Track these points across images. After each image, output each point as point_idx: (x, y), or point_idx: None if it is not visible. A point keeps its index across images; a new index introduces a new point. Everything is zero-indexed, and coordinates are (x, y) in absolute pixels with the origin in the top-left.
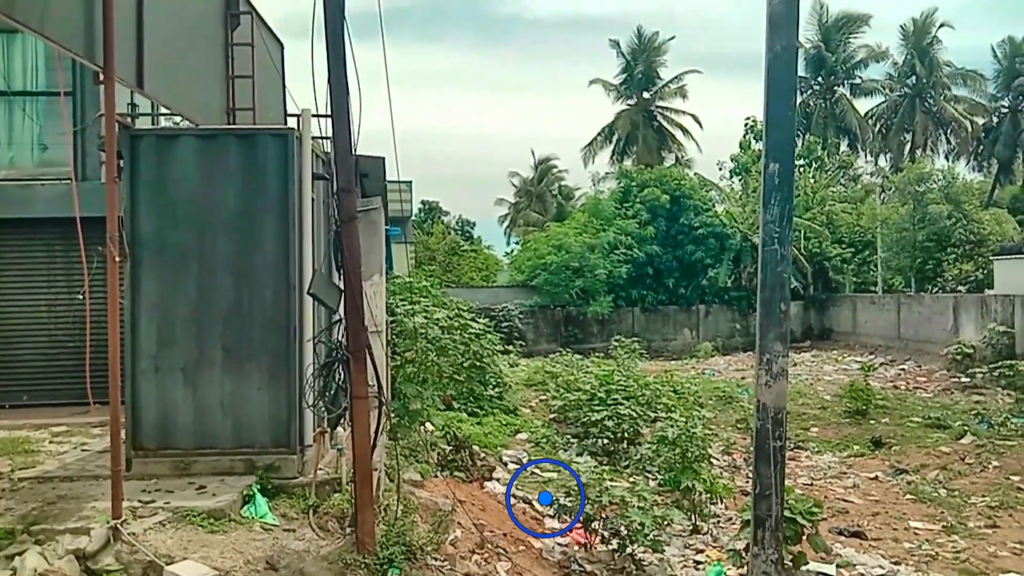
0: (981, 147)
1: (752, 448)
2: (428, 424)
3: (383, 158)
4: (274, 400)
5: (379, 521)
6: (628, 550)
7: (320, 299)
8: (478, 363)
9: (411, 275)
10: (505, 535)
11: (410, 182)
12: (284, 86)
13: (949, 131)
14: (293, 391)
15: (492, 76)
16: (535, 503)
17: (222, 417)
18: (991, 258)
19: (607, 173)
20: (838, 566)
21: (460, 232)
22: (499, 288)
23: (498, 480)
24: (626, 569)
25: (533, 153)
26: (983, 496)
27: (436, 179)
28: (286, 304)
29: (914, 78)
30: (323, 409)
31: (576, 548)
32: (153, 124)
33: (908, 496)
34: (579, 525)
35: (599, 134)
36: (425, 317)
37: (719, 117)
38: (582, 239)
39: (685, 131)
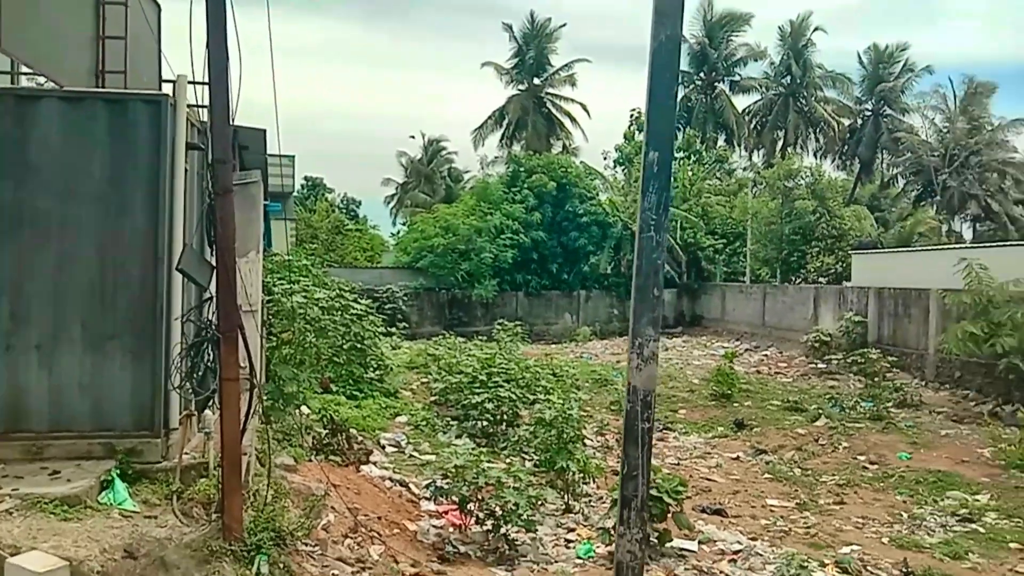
0: (846, 147)
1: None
2: (304, 407)
3: (264, 130)
4: (137, 381)
5: (248, 507)
6: (502, 530)
7: (190, 275)
8: (359, 345)
9: (291, 253)
10: (380, 518)
11: (293, 156)
12: (160, 50)
13: (818, 130)
14: (158, 372)
15: (383, 53)
16: (412, 486)
17: (80, 399)
18: (850, 252)
19: (496, 157)
20: (700, 542)
21: (345, 211)
22: (384, 269)
23: (375, 464)
24: (499, 549)
25: (423, 134)
26: (833, 475)
27: (322, 155)
28: (153, 280)
29: (789, 78)
30: (190, 391)
31: (451, 530)
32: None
33: (766, 475)
34: (455, 506)
35: (490, 117)
36: (304, 297)
37: (606, 107)
38: (470, 222)
39: (573, 119)
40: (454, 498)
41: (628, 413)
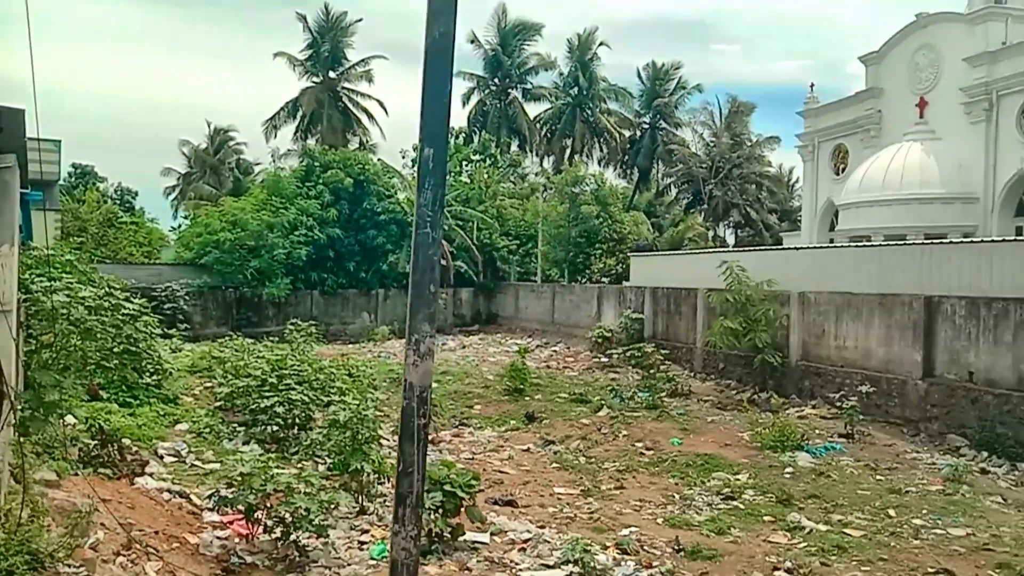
0: (626, 157)
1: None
2: (69, 417)
3: (22, 110)
4: None
5: None
6: (292, 537)
7: None
8: (132, 348)
9: (54, 247)
10: (157, 533)
11: (59, 141)
12: None
13: (602, 140)
14: None
15: (165, 36)
16: (193, 497)
17: None
18: (629, 254)
19: (289, 150)
20: (492, 534)
21: (119, 202)
22: (163, 266)
23: (152, 475)
24: (289, 556)
25: (208, 123)
26: (614, 461)
27: (93, 141)
28: None
29: (576, 89)
30: None
31: (237, 540)
32: None
33: (554, 465)
34: (241, 516)
35: (282, 109)
36: (68, 295)
37: (404, 106)
38: (260, 217)
39: (370, 116)
40: (240, 507)
41: (404, 409)
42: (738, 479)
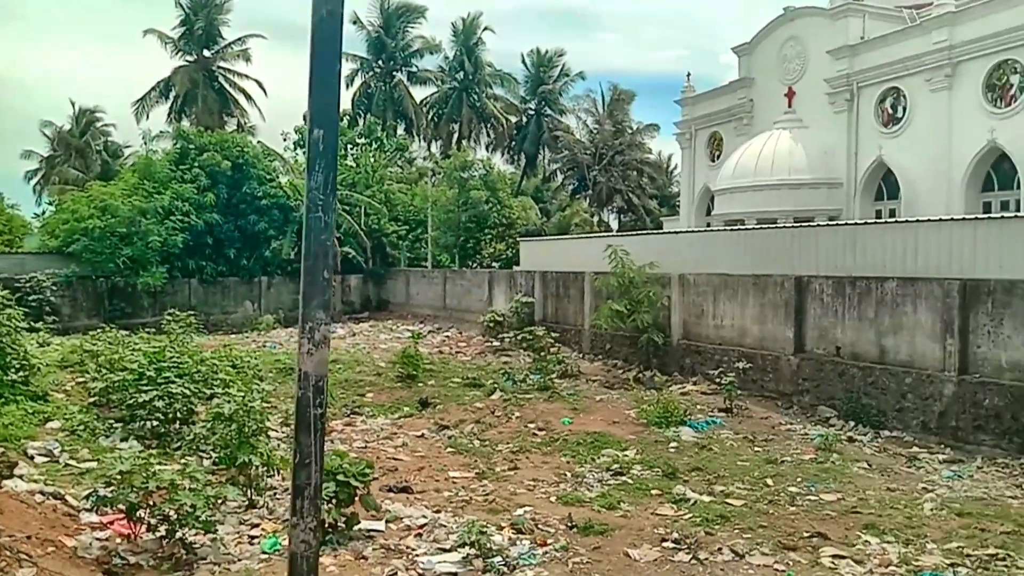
0: (513, 143)
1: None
2: None
3: None
4: None
5: None
6: (178, 535)
7: None
8: None
9: None
10: (30, 537)
11: None
12: None
13: (489, 125)
14: None
15: (19, 9)
16: (69, 498)
17: None
18: (518, 239)
19: (162, 132)
20: (387, 521)
21: None
22: (26, 255)
23: (21, 477)
24: (175, 555)
25: (72, 103)
26: (507, 443)
27: None
28: None
29: (462, 73)
30: None
31: (119, 541)
32: None
33: (449, 449)
34: (122, 515)
35: (153, 89)
36: None
37: (284, 87)
38: (132, 202)
39: (248, 97)
40: (120, 506)
41: (300, 400)
42: (626, 455)
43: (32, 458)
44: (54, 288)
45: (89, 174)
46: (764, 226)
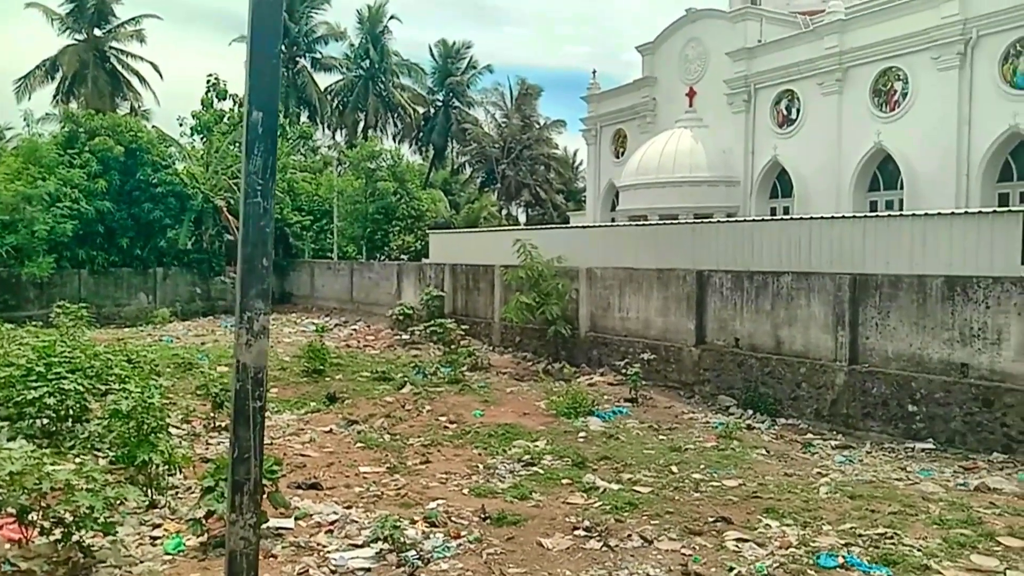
0: (421, 134)
1: (220, 415)
2: None
3: None
4: None
5: None
6: (75, 538)
7: None
8: None
9: None
10: None
11: None
12: None
13: (396, 116)
14: None
15: None
16: None
17: None
18: (428, 231)
19: (48, 114)
20: (297, 518)
21: None
22: None
23: None
24: (72, 559)
25: None
26: (419, 437)
27: None
28: None
29: (368, 62)
30: None
31: (8, 546)
32: None
33: (359, 444)
34: (12, 519)
35: (38, 68)
36: None
37: (180, 70)
38: (15, 188)
39: (143, 79)
40: (10, 509)
41: (238, 392)
42: (537, 446)
43: None
44: None
45: None
46: (667, 222)
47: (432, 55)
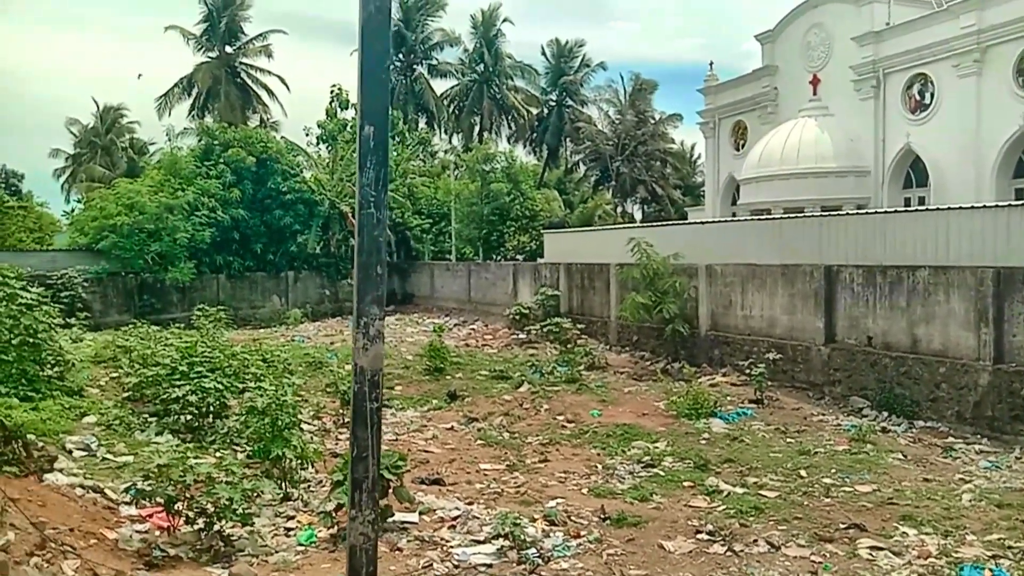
0: (535, 134)
1: (348, 412)
2: None
3: None
4: None
5: None
6: (216, 527)
7: None
8: (31, 339)
9: None
10: (73, 530)
11: None
12: None
13: (510, 117)
14: None
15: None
16: (108, 491)
17: None
18: (542, 231)
19: (186, 129)
20: (421, 513)
21: (4, 185)
22: (57, 252)
23: (61, 471)
24: (214, 547)
25: (96, 101)
26: (537, 435)
27: None
28: None
29: (482, 65)
30: None
31: (158, 533)
32: None
33: (479, 442)
34: (160, 508)
35: (176, 85)
36: None
37: (306, 82)
38: (159, 199)
39: (271, 92)
40: (159, 499)
41: (356, 394)
42: (657, 447)
43: (71, 452)
44: (85, 285)
45: (115, 171)
46: (792, 215)
47: (545, 55)
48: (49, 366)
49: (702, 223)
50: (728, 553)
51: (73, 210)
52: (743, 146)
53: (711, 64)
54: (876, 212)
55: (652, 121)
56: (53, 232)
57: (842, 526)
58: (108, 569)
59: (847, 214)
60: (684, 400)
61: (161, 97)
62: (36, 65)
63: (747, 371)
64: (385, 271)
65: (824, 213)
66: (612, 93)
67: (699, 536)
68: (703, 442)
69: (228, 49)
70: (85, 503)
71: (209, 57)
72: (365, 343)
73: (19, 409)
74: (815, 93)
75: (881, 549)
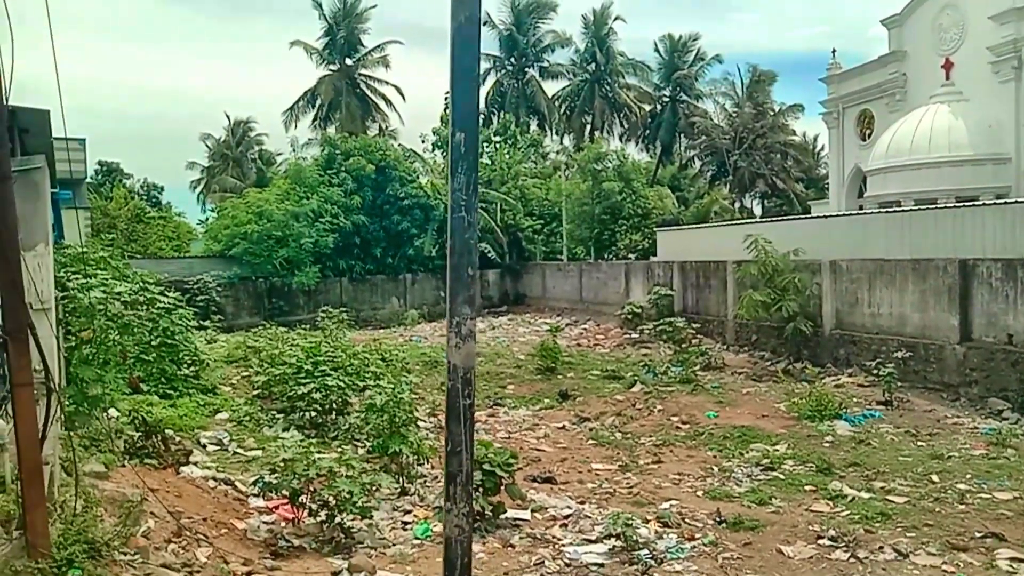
0: (648, 131)
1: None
2: (112, 410)
3: (47, 111)
4: None
5: (54, 520)
6: (337, 519)
7: None
8: (169, 341)
9: (87, 245)
10: (205, 520)
11: (83, 140)
12: None
13: (622, 115)
14: None
15: (183, 29)
16: (238, 483)
17: None
18: (655, 229)
19: (310, 139)
20: (532, 511)
21: (146, 197)
22: (193, 259)
23: (196, 464)
24: (335, 538)
25: (228, 116)
26: (650, 436)
27: (117, 138)
28: None
29: (594, 65)
30: None
31: (283, 524)
32: None
33: (591, 441)
34: (286, 500)
35: (301, 98)
36: (103, 291)
37: (421, 90)
38: (285, 207)
39: (389, 101)
40: (284, 492)
41: (449, 391)
42: (777, 450)
43: (204, 446)
44: (219, 289)
45: (246, 181)
46: (923, 207)
47: (657, 51)
48: (186, 366)
49: (825, 217)
50: (851, 560)
51: (207, 219)
52: (869, 136)
53: (834, 52)
54: (1017, 202)
55: (771, 113)
56: (190, 240)
57: (978, 535)
58: (237, 557)
59: (985, 204)
60: (807, 401)
61: (287, 110)
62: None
63: (874, 371)
64: (476, 273)
65: (959, 204)
66: (728, 86)
67: (820, 541)
68: (826, 445)
69: (348, 61)
70: (217, 494)
71: (330, 70)
72: (457, 342)
73: (159, 406)
74: (948, 78)
75: (1023, 561)
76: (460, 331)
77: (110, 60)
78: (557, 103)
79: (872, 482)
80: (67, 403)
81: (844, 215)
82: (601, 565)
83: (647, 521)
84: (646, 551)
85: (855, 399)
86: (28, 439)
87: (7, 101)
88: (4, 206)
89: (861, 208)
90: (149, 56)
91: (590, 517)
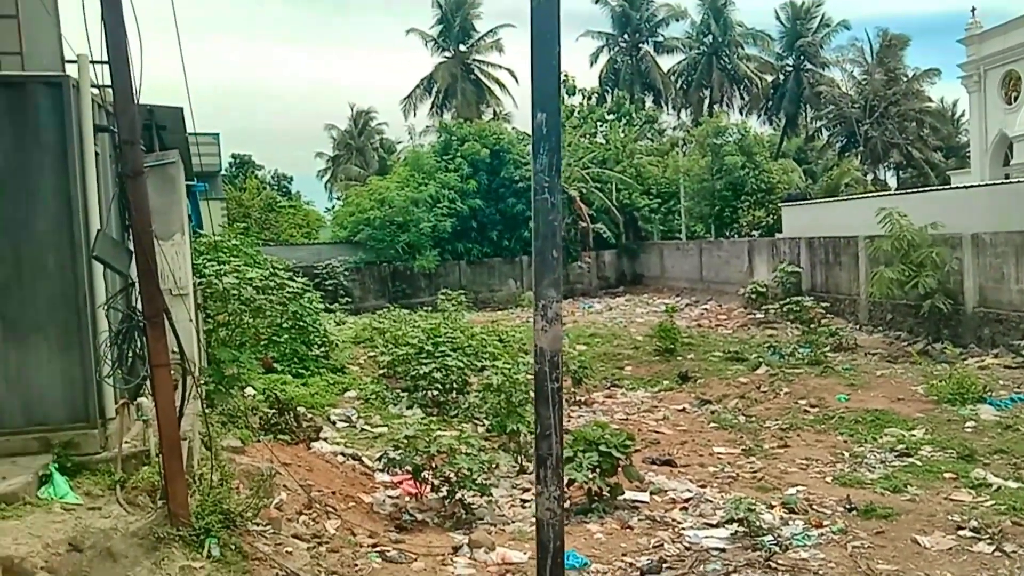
0: (770, 103)
1: (579, 390)
2: (248, 388)
3: (181, 108)
4: (67, 372)
5: (194, 491)
6: (457, 495)
7: (105, 262)
8: (300, 323)
9: (222, 233)
10: (334, 493)
11: (217, 134)
12: (59, 30)
13: (742, 87)
14: (88, 362)
15: (305, 25)
16: (365, 459)
17: (8, 394)
18: (780, 205)
19: (427, 126)
20: (651, 493)
21: (276, 187)
22: (322, 245)
23: (326, 440)
24: (456, 514)
25: (351, 106)
26: (776, 420)
27: (248, 132)
28: (72, 268)
29: (711, 37)
30: (122, 379)
31: (407, 499)
32: None
33: (712, 424)
34: (409, 476)
35: (418, 86)
36: (237, 277)
37: None
38: (405, 193)
39: (502, 85)
40: (408, 468)
41: (537, 374)
42: (913, 435)
43: (334, 423)
44: (346, 273)
45: (368, 170)
46: None
47: (779, 19)
48: (316, 346)
49: (965, 187)
50: (996, 553)
51: (334, 207)
52: (1016, 98)
53: (973, 10)
54: None
55: (904, 79)
56: (318, 227)
57: None
58: (364, 530)
59: None
60: (947, 384)
61: (405, 99)
62: (297, 78)
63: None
64: (561, 256)
65: None
66: (857, 52)
67: (960, 532)
68: (968, 430)
69: (462, 47)
70: (345, 469)
71: (445, 57)
72: (544, 324)
73: (291, 384)
74: None
75: None
76: (546, 314)
77: (240, 60)
78: (673, 78)
79: (1021, 470)
80: (206, 382)
81: (987, 185)
82: (723, 550)
83: (772, 507)
84: (770, 537)
85: (1001, 381)
86: (167, 415)
87: (137, 99)
88: (139, 199)
89: (1007, 177)
90: (274, 53)
91: (711, 501)
